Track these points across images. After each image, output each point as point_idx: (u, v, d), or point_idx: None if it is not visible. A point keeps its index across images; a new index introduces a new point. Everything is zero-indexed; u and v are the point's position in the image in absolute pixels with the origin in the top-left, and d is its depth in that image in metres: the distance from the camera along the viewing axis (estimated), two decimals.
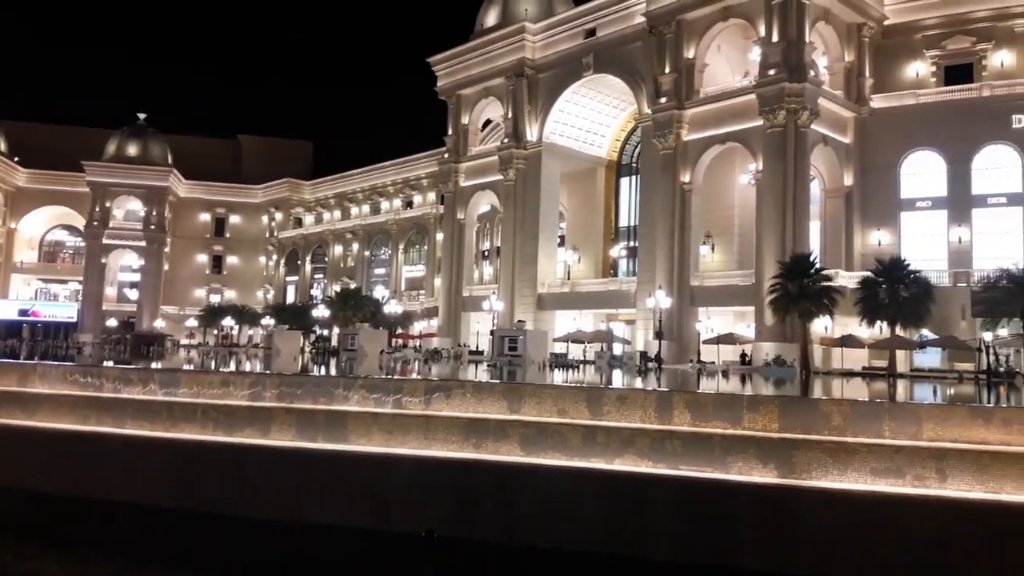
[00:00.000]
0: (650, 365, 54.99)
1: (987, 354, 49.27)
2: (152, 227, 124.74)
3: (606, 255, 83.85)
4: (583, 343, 68.17)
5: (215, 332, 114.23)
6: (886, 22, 66.44)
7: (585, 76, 75.51)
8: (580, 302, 76.12)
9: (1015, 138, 59.77)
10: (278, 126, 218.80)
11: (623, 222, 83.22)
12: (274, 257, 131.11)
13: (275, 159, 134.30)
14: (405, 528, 20.40)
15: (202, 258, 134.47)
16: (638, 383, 31.31)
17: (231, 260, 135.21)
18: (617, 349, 67.29)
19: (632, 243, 78.71)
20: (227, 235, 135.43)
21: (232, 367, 36.60)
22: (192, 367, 34.83)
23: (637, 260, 72.15)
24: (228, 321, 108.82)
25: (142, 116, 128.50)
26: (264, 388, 25.42)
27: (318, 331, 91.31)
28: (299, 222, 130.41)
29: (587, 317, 76.49)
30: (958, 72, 64.29)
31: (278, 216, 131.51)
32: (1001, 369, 49.00)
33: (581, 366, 56.67)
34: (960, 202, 61.51)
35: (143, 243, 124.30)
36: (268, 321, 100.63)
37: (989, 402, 24.23)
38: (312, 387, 25.01)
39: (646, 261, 67.91)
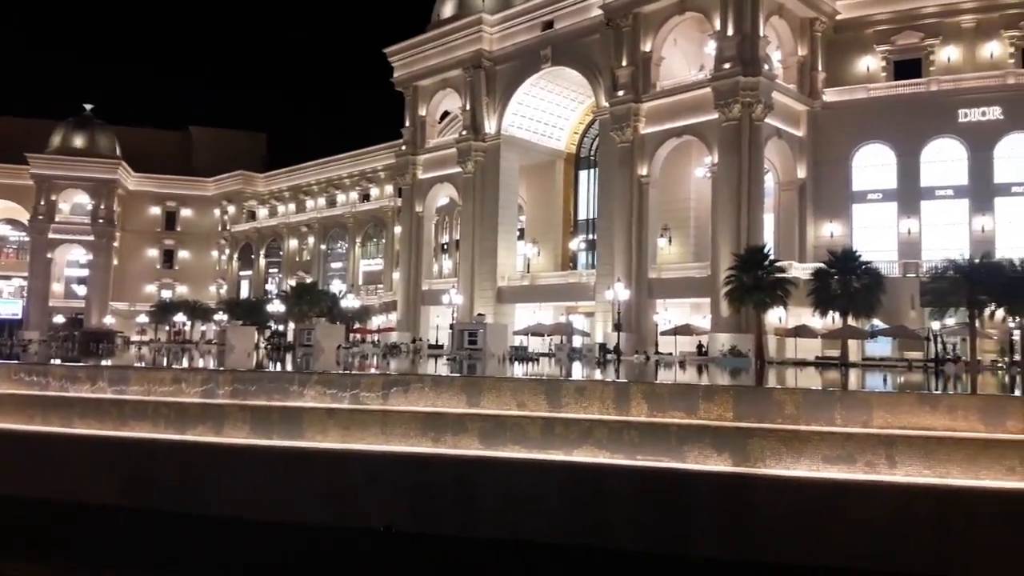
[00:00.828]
0: (609, 357, 55.37)
1: (935, 343, 50.73)
2: (100, 221, 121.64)
3: (565, 248, 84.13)
4: (543, 336, 68.36)
5: (167, 328, 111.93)
6: (838, 17, 67.71)
7: (543, 68, 75.52)
8: (540, 295, 76.31)
9: (961, 132, 61.46)
10: (231, 118, 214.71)
11: (582, 215, 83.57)
12: (227, 251, 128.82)
13: (228, 151, 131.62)
14: (363, 524, 20.20)
15: (152, 252, 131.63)
16: (597, 375, 31.49)
17: (183, 254, 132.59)
18: (576, 341, 67.63)
19: (591, 236, 79.11)
20: (178, 229, 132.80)
21: (184, 364, 35.87)
22: (143, 364, 34.01)
23: (596, 253, 72.59)
24: (180, 317, 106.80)
25: (88, 107, 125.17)
26: (217, 385, 24.91)
27: (273, 327, 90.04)
28: (253, 215, 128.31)
29: (547, 310, 76.71)
30: (907, 67, 65.93)
31: (231, 209, 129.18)
32: (948, 357, 50.50)
33: (541, 359, 56.82)
34: (909, 194, 63.09)
35: (91, 237, 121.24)
36: (221, 317, 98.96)
37: (936, 390, 24.87)
38: (267, 383, 24.56)
39: (605, 254, 68.32)
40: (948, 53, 64.83)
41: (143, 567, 20.02)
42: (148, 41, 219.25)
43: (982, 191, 61.08)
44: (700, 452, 18.55)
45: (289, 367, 33.95)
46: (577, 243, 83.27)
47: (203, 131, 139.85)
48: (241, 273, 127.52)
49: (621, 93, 66.16)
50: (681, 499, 18.22)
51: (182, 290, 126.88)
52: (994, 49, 63.58)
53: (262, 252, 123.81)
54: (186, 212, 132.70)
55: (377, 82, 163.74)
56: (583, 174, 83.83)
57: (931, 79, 63.83)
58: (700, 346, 60.22)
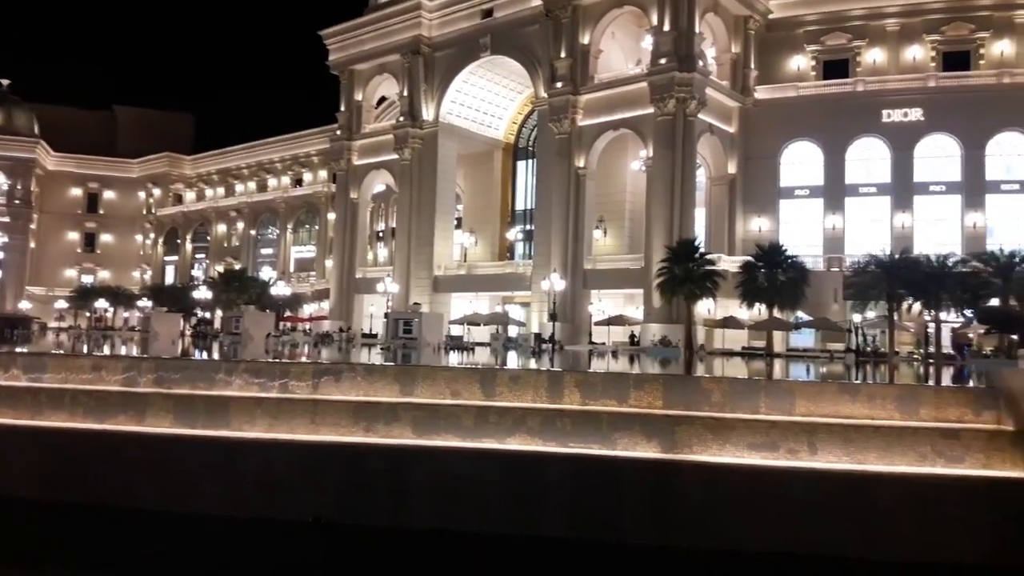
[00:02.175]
0: (543, 347, 55.73)
1: (856, 335, 52.70)
2: (16, 202, 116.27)
3: (503, 238, 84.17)
4: (479, 325, 68.36)
5: (87, 315, 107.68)
6: (771, 16, 69.35)
7: (482, 57, 75.14)
8: (477, 284, 76.20)
9: (885, 131, 63.82)
10: (158, 98, 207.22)
11: (520, 205, 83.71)
12: (152, 235, 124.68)
13: (154, 132, 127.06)
14: (293, 515, 19.82)
15: (73, 236, 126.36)
16: (532, 364, 31.62)
17: (105, 238, 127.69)
18: (512, 331, 67.84)
19: (528, 226, 79.32)
20: (100, 211, 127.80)
21: (106, 351, 34.56)
22: (61, 351, 32.61)
23: (533, 243, 72.82)
24: (102, 303, 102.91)
25: (5, 82, 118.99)
26: (139, 373, 24.10)
27: (200, 314, 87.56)
28: (179, 199, 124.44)
29: (484, 300, 76.71)
30: (835, 67, 68.08)
31: (156, 192, 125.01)
32: (868, 349, 52.57)
33: (476, 348, 56.80)
34: (834, 191, 65.22)
35: (6, 219, 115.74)
36: (145, 303, 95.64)
37: (856, 379, 25.79)
38: (192, 371, 23.87)
39: (542, 244, 68.60)
40: (874, 55, 67.17)
41: (62, 565, 19.20)
42: (70, 15, 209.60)
43: (903, 189, 63.58)
44: (630, 439, 18.82)
45: (216, 355, 33.05)
46: (514, 233, 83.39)
47: (128, 111, 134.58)
48: (166, 258, 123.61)
49: (559, 84, 66.41)
50: (612, 486, 18.46)
51: (104, 275, 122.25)
52: (917, 52, 66.17)
53: (189, 237, 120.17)
54: (109, 194, 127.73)
55: (312, 65, 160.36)
56: (521, 164, 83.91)
57: (857, 79, 66.07)
58: (632, 336, 61.15)
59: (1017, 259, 49.70)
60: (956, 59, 65.32)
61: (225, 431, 21.53)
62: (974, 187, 62.27)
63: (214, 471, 20.89)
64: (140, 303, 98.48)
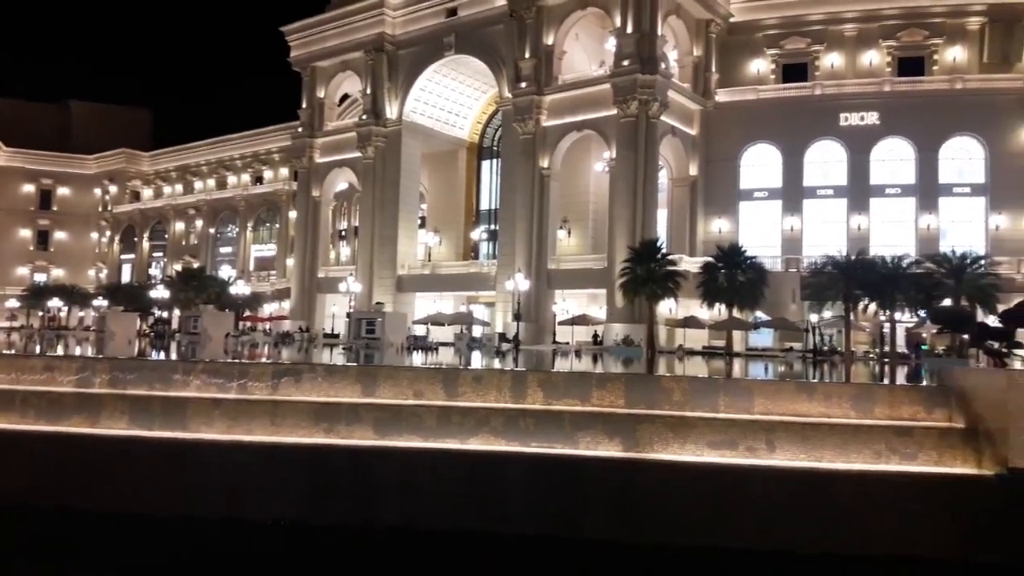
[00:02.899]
0: (505, 347, 55.77)
1: (813, 334, 53.63)
2: None
3: (467, 237, 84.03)
4: (443, 325, 68.15)
5: (40, 314, 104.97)
6: (732, 19, 70.32)
7: (447, 56, 74.96)
8: (441, 284, 75.99)
9: (842, 134, 65.13)
10: (116, 93, 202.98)
11: (484, 205, 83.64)
12: (108, 233, 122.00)
13: (111, 128, 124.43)
14: (253, 517, 19.56)
15: (25, 233, 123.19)
16: (496, 364, 31.62)
17: (59, 236, 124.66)
18: (476, 331, 67.78)
19: (493, 226, 79.26)
20: (54, 208, 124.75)
21: (59, 351, 33.72)
22: (12, 351, 31.74)
23: (497, 243, 72.88)
24: (56, 302, 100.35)
25: None
26: (94, 373, 23.54)
27: (157, 313, 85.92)
28: (137, 196, 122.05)
29: (448, 299, 76.53)
30: (795, 71, 69.32)
31: (113, 189, 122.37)
32: (825, 348, 53.51)
33: (440, 348, 56.62)
34: (793, 193, 66.39)
35: None
36: (101, 302, 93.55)
37: (813, 378, 26.25)
38: (148, 372, 23.39)
39: (506, 244, 68.65)
40: (832, 59, 68.49)
41: (13, 568, 18.71)
42: (25, 7, 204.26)
43: (859, 192, 64.96)
44: (593, 438, 18.90)
45: (173, 356, 32.47)
46: (479, 233, 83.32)
47: (84, 105, 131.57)
48: (123, 257, 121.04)
49: (524, 85, 66.52)
50: (574, 484, 18.54)
51: (58, 273, 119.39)
52: (873, 57, 67.63)
53: (146, 235, 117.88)
54: (63, 191, 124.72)
55: (273, 61, 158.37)
56: (486, 164, 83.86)
57: (816, 83, 67.32)
58: (596, 336, 61.52)
59: (968, 261, 51.05)
60: (911, 64, 66.98)
61: (182, 433, 21.15)
62: (928, 190, 63.87)
63: (171, 473, 20.52)
64: (95, 302, 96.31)
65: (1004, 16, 64.82)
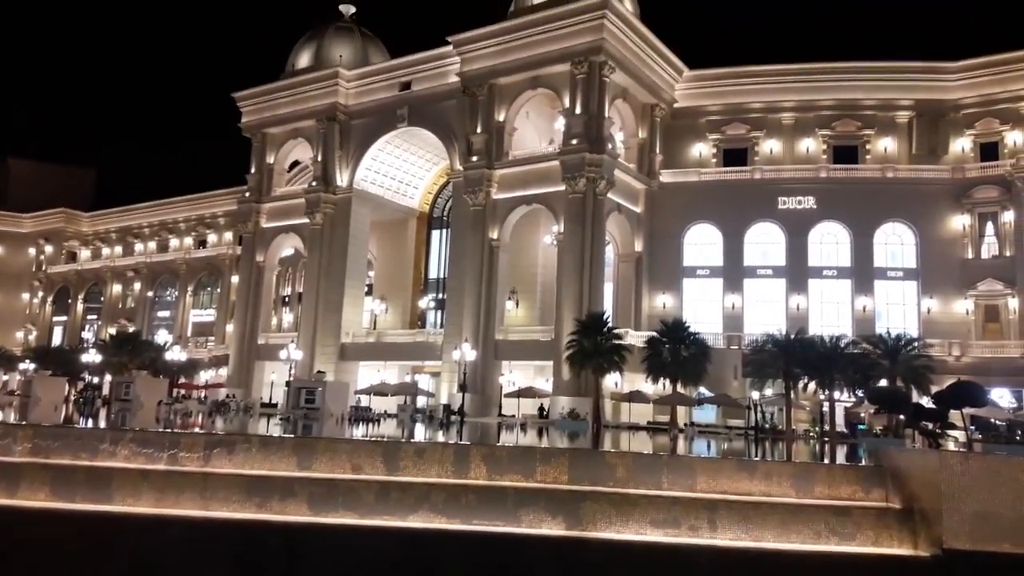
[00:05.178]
0: (452, 419, 54.92)
1: (755, 412, 54.20)
2: None
3: (414, 306, 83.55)
4: (387, 395, 66.92)
5: None
6: (676, 105, 73.14)
7: (399, 127, 75.98)
8: (386, 353, 74.98)
9: (781, 217, 67.50)
10: (57, 151, 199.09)
11: (432, 274, 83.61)
12: (40, 294, 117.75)
13: (50, 186, 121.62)
14: None
15: None
16: (440, 437, 31.04)
17: None
18: (421, 402, 66.70)
19: (441, 295, 79.08)
20: None
21: None
22: None
23: (445, 312, 72.65)
24: None
25: None
26: (15, 441, 22.38)
27: (87, 378, 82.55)
28: (73, 256, 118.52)
29: (392, 369, 75.42)
30: (735, 155, 72.16)
31: (48, 249, 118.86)
32: (766, 425, 54.02)
33: (383, 420, 55.47)
34: (734, 272, 68.10)
35: None
36: (28, 366, 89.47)
37: (755, 456, 26.38)
38: (73, 440, 22.32)
39: (454, 314, 68.42)
40: (770, 145, 71.53)
41: None
42: None
43: (797, 273, 66.98)
44: (535, 515, 18.52)
45: (102, 423, 31.07)
46: (427, 302, 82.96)
47: (23, 163, 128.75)
48: (55, 319, 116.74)
49: (475, 158, 67.62)
50: (515, 564, 18.03)
51: None
52: (810, 145, 70.91)
53: (81, 297, 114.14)
54: None
55: (222, 125, 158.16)
56: (435, 233, 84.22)
57: (755, 168, 70.09)
58: (542, 408, 61.09)
59: (903, 343, 52.56)
60: (845, 153, 70.39)
61: (107, 505, 20.08)
62: (863, 273, 66.26)
63: (94, 548, 19.34)
64: (22, 366, 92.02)
65: (930, 111, 68.94)
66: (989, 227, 65.47)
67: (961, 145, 68.46)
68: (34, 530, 19.78)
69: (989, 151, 67.50)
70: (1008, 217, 64.08)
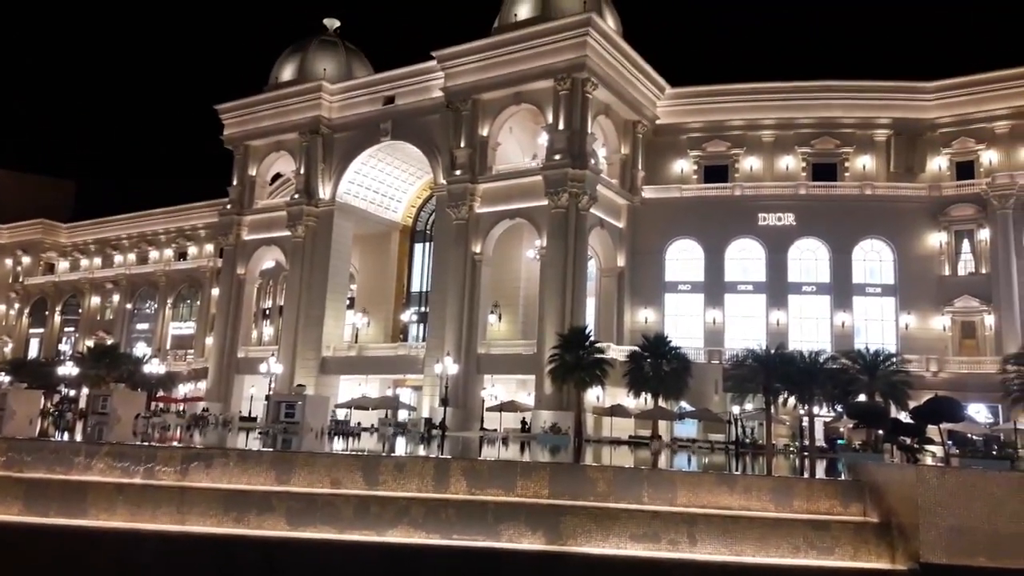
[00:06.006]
0: (434, 432, 54.66)
1: (735, 426, 54.40)
2: None
3: (396, 319, 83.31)
4: (368, 409, 66.51)
5: None
6: (658, 122, 73.82)
7: (383, 141, 76.03)
8: (367, 367, 74.60)
9: (761, 233, 68.09)
10: (40, 162, 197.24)
11: (415, 287, 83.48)
12: (17, 305, 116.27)
13: (29, 197, 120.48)
14: None
15: None
16: (420, 451, 30.87)
17: None
18: (402, 415, 66.37)
19: (423, 308, 78.97)
20: None
21: None
22: None
23: (427, 326, 72.44)
24: None
25: None
26: None
27: (64, 391, 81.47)
28: (51, 268, 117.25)
29: (374, 382, 75.02)
30: (716, 172, 72.84)
31: (26, 260, 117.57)
32: (747, 440, 54.21)
33: (363, 433, 55.11)
34: (715, 287, 68.55)
35: None
36: (3, 378, 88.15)
37: (736, 470, 26.44)
38: (47, 454, 21.97)
39: (436, 327, 68.26)
40: (751, 162, 72.28)
41: None
42: None
43: (777, 288, 67.53)
44: (515, 530, 18.43)
45: (78, 437, 30.66)
46: (409, 315, 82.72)
47: (1, 173, 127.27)
48: (32, 330, 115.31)
49: (458, 172, 67.75)
50: None
51: None
52: (789, 162, 71.73)
53: (58, 308, 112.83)
54: None
55: (203, 137, 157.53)
56: (418, 247, 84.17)
57: (735, 184, 70.74)
58: (524, 422, 60.98)
59: (881, 358, 53.08)
60: (824, 170, 71.28)
61: (81, 520, 19.77)
62: (842, 289, 66.92)
63: (68, 564, 19.03)
64: None
65: (908, 129, 70.02)
66: (965, 244, 66.43)
67: (938, 163, 69.56)
68: (6, 545, 19.46)
69: (965, 170, 68.60)
70: (984, 235, 65.04)
